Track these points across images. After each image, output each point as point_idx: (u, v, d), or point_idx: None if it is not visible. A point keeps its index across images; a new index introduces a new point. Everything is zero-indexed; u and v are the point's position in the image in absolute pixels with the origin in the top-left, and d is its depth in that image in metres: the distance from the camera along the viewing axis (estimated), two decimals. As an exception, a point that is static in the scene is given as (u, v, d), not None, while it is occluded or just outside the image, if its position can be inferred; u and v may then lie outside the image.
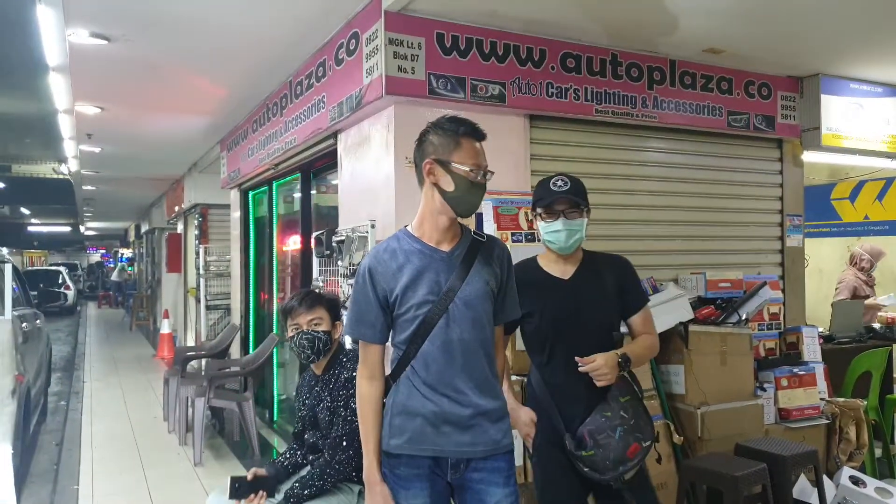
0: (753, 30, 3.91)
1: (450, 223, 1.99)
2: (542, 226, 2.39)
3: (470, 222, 3.35)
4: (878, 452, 4.45)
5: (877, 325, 5.38)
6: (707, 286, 4.10)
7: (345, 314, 2.59)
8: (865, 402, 4.17)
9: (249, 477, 2.53)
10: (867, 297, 5.77)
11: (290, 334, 2.62)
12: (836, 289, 5.89)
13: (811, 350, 4.29)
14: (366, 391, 1.99)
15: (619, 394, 2.22)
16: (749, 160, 4.76)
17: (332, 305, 2.69)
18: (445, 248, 1.99)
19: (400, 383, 1.98)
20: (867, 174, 6.83)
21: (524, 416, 2.37)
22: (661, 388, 3.95)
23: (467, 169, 1.92)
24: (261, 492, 2.49)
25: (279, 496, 2.53)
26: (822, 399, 4.07)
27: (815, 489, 3.43)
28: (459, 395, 1.93)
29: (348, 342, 2.73)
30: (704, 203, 4.60)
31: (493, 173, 2.01)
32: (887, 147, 5.10)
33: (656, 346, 2.44)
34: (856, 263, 5.89)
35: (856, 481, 3.82)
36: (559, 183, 2.34)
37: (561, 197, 2.32)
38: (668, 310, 3.79)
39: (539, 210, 2.39)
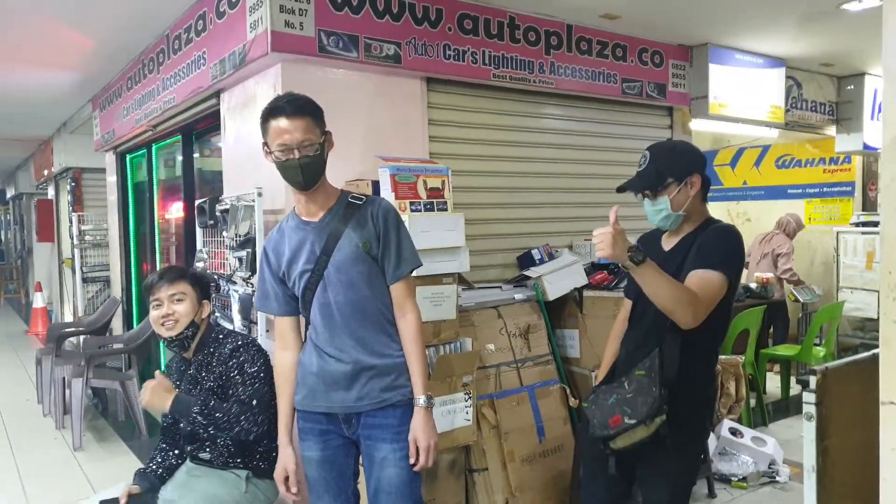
0: (647, -3, 3.93)
1: (307, 196, 2.05)
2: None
3: (368, 190, 3.21)
4: (752, 402, 4.77)
5: (753, 285, 5.74)
6: (601, 252, 4.16)
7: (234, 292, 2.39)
8: (743, 358, 4.45)
9: (122, 500, 2.32)
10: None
11: (152, 313, 2.39)
12: (781, 253, 6.08)
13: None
14: (278, 361, 2.17)
15: (638, 365, 2.11)
16: (641, 127, 4.85)
17: (199, 282, 2.46)
18: (317, 218, 2.07)
19: (306, 345, 2.14)
20: (746, 142, 7.22)
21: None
22: (556, 353, 4.02)
23: (276, 150, 1.96)
24: None
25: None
26: (706, 357, 4.29)
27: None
28: (342, 353, 2.03)
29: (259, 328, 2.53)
30: (599, 170, 4.65)
31: (309, 144, 1.94)
32: (768, 116, 5.37)
33: (687, 298, 1.93)
34: (785, 229, 6.29)
35: (734, 432, 4.08)
36: (641, 161, 2.25)
37: (632, 184, 2.27)
38: (563, 276, 3.84)
39: None
